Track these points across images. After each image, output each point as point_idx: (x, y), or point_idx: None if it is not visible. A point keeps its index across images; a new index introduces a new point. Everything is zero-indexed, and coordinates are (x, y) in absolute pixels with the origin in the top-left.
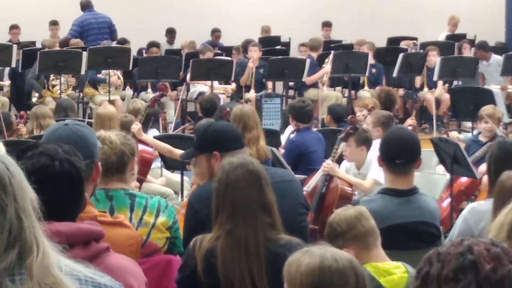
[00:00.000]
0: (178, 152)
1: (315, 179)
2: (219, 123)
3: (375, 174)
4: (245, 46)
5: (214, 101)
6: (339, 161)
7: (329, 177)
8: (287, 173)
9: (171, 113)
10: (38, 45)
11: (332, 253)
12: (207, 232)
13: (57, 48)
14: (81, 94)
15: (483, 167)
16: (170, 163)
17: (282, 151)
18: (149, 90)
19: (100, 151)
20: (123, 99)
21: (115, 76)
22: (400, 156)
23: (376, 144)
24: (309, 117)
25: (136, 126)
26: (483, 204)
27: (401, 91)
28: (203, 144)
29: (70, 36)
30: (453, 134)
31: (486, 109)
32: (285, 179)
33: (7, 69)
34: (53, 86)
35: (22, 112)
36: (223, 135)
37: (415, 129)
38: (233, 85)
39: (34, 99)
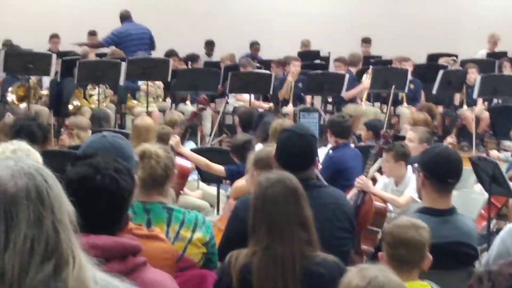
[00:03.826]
0: (216, 166)
1: (350, 195)
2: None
3: (412, 192)
4: (285, 61)
5: (253, 114)
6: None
7: (363, 193)
8: (337, 195)
9: (208, 125)
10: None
11: (384, 278)
12: (247, 240)
13: (95, 58)
14: (122, 105)
15: None
16: (206, 176)
17: (320, 166)
18: (188, 102)
19: (147, 165)
20: (162, 111)
21: (154, 87)
22: (452, 175)
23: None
24: (348, 132)
25: (175, 139)
26: None
27: (440, 108)
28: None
29: (104, 43)
30: (494, 153)
31: None
32: (332, 201)
33: (46, 78)
34: (90, 96)
35: (67, 122)
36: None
37: (454, 148)
38: (271, 104)
39: (70, 107)
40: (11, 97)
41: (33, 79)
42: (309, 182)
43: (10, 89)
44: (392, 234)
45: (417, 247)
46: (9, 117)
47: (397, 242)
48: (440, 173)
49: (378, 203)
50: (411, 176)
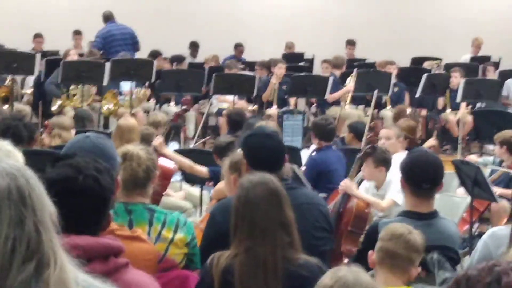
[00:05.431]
0: (200, 168)
1: (336, 200)
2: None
3: (394, 195)
4: (270, 64)
5: (243, 115)
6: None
7: (346, 196)
8: (311, 196)
9: (192, 127)
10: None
11: (353, 277)
12: (225, 245)
13: (76, 58)
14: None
15: (500, 190)
16: (189, 177)
17: (304, 168)
18: (172, 103)
19: (128, 167)
20: (146, 111)
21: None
22: (427, 180)
23: (396, 164)
24: (331, 135)
25: (158, 140)
26: (504, 229)
27: (423, 112)
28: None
29: (96, 49)
30: (472, 158)
31: (501, 135)
32: (307, 201)
33: (29, 78)
34: (73, 95)
35: (46, 122)
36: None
37: (436, 150)
38: (255, 106)
39: (54, 108)
40: None
41: (9, 77)
42: (284, 184)
43: None
44: (386, 229)
45: (405, 245)
46: None
47: (388, 235)
48: (414, 178)
49: (360, 206)
50: (391, 180)
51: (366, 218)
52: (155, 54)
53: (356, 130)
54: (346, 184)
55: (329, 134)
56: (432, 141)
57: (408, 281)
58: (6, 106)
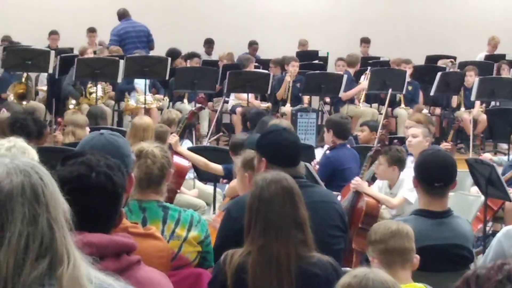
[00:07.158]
0: (215, 166)
1: (347, 196)
2: (288, 136)
3: (406, 193)
4: (284, 62)
5: (258, 113)
6: (373, 179)
7: (357, 194)
8: (327, 194)
9: (206, 124)
10: (76, 52)
11: (374, 276)
12: (241, 241)
13: (92, 55)
14: (118, 103)
15: None
16: (203, 175)
17: (317, 166)
18: (185, 100)
19: (143, 165)
20: (160, 109)
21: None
22: (439, 179)
23: (410, 163)
24: (348, 133)
25: (174, 138)
26: None
27: (438, 110)
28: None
29: (112, 47)
30: (487, 156)
31: None
32: (323, 199)
33: (45, 75)
34: (91, 93)
35: (59, 119)
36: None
37: (452, 151)
38: (269, 104)
39: (71, 106)
40: (10, 98)
41: (25, 75)
42: (300, 181)
43: (9, 88)
44: (378, 231)
45: (407, 238)
46: (3, 113)
47: (387, 234)
48: (426, 176)
49: (371, 204)
50: (404, 179)
51: (377, 215)
52: (174, 53)
53: (376, 128)
54: (357, 181)
55: (346, 132)
56: (446, 143)
57: (413, 272)
58: (24, 103)
